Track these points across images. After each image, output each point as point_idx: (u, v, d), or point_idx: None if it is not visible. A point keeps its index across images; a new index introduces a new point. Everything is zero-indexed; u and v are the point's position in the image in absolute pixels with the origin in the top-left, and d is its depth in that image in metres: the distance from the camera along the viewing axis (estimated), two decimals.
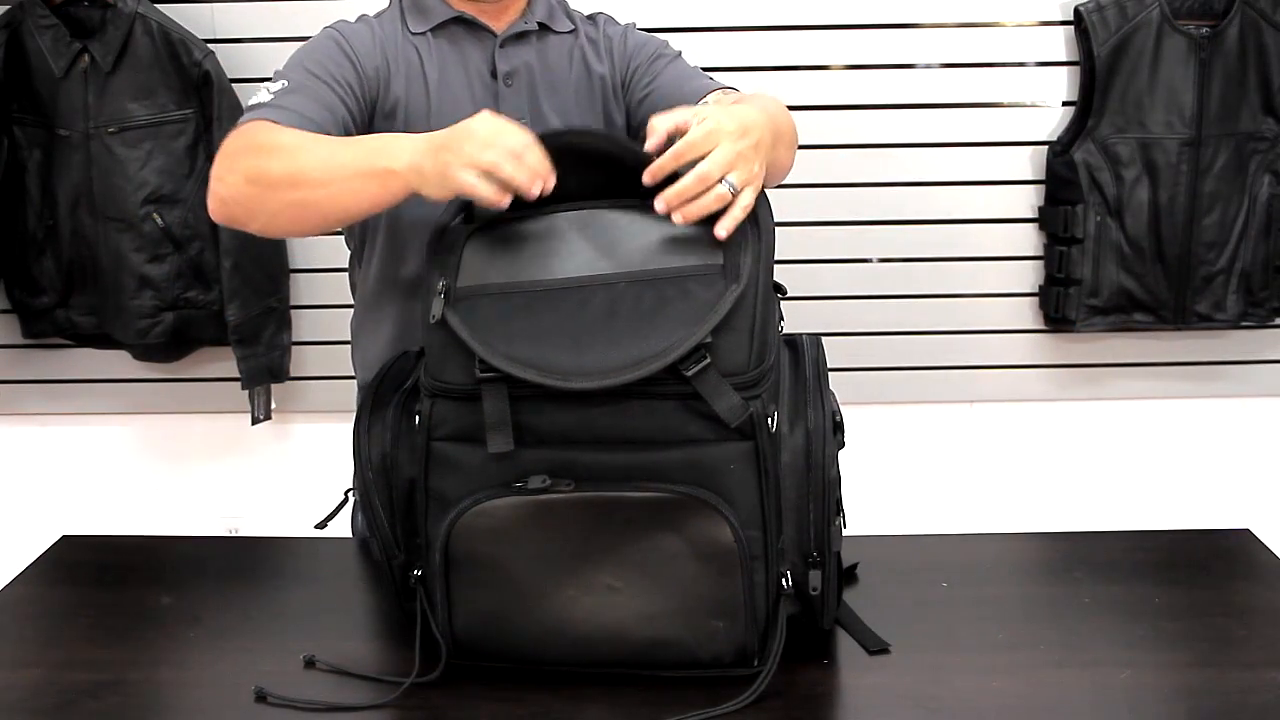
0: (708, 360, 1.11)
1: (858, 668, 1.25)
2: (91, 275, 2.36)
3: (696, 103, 1.45)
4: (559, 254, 1.16)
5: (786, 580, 1.19)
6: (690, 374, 1.11)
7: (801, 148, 2.36)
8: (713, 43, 2.35)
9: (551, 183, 1.17)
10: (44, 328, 2.44)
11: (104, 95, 2.27)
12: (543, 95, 1.50)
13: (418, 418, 1.20)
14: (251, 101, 1.36)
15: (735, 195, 1.16)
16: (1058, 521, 2.51)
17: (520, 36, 1.50)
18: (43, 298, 2.41)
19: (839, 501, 1.21)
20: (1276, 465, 2.57)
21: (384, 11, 1.52)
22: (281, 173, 1.25)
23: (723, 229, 1.15)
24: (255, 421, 2.43)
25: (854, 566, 1.42)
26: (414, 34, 1.47)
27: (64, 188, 2.32)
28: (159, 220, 2.30)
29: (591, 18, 1.59)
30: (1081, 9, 2.29)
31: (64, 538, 1.60)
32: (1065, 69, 2.37)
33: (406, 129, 1.42)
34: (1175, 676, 1.23)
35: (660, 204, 1.17)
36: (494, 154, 1.15)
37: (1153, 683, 1.21)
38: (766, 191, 1.27)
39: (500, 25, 1.50)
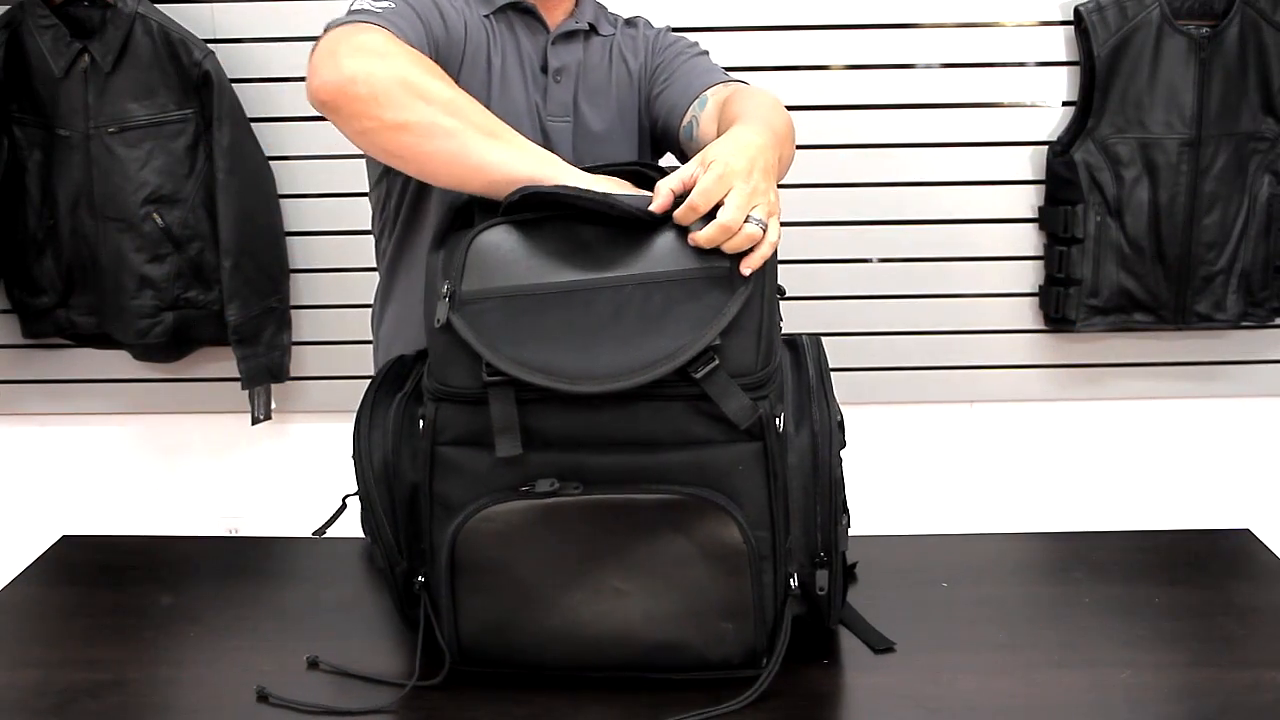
0: (716, 362, 1.11)
1: (858, 668, 1.25)
2: (91, 275, 2.36)
3: (695, 97, 1.47)
4: (565, 257, 1.16)
5: (793, 580, 1.20)
6: (699, 376, 1.11)
7: (801, 148, 2.37)
8: (713, 43, 2.33)
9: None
10: (44, 328, 2.44)
11: (104, 95, 2.27)
12: (584, 95, 1.51)
13: (421, 422, 1.19)
14: (354, 5, 1.28)
15: (764, 231, 1.14)
16: (1058, 521, 2.51)
17: (570, 35, 1.51)
18: (43, 298, 2.41)
19: (844, 501, 1.21)
20: (1276, 465, 2.57)
21: None
22: (443, 95, 1.20)
23: (748, 267, 1.14)
24: (255, 421, 2.43)
25: (853, 566, 1.43)
26: (482, 16, 1.46)
27: (64, 188, 2.32)
28: (159, 220, 2.30)
29: (631, 21, 1.60)
30: (1081, 9, 2.29)
31: (64, 538, 1.60)
32: (1065, 69, 2.37)
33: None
34: (1175, 676, 1.23)
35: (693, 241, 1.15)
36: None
37: (1153, 683, 1.21)
38: None
39: (554, 19, 1.50)
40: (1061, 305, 2.39)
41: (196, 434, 2.59)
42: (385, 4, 1.29)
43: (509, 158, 1.21)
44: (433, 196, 1.47)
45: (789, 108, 1.47)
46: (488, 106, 1.34)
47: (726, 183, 1.14)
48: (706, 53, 1.60)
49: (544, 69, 1.48)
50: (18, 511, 2.60)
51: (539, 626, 1.19)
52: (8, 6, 2.30)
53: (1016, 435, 2.56)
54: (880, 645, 1.28)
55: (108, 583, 1.48)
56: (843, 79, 2.38)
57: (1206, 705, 1.17)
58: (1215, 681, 1.21)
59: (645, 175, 1.28)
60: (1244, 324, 2.42)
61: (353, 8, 1.29)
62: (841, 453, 1.21)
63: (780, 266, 1.19)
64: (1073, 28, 2.34)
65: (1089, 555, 1.47)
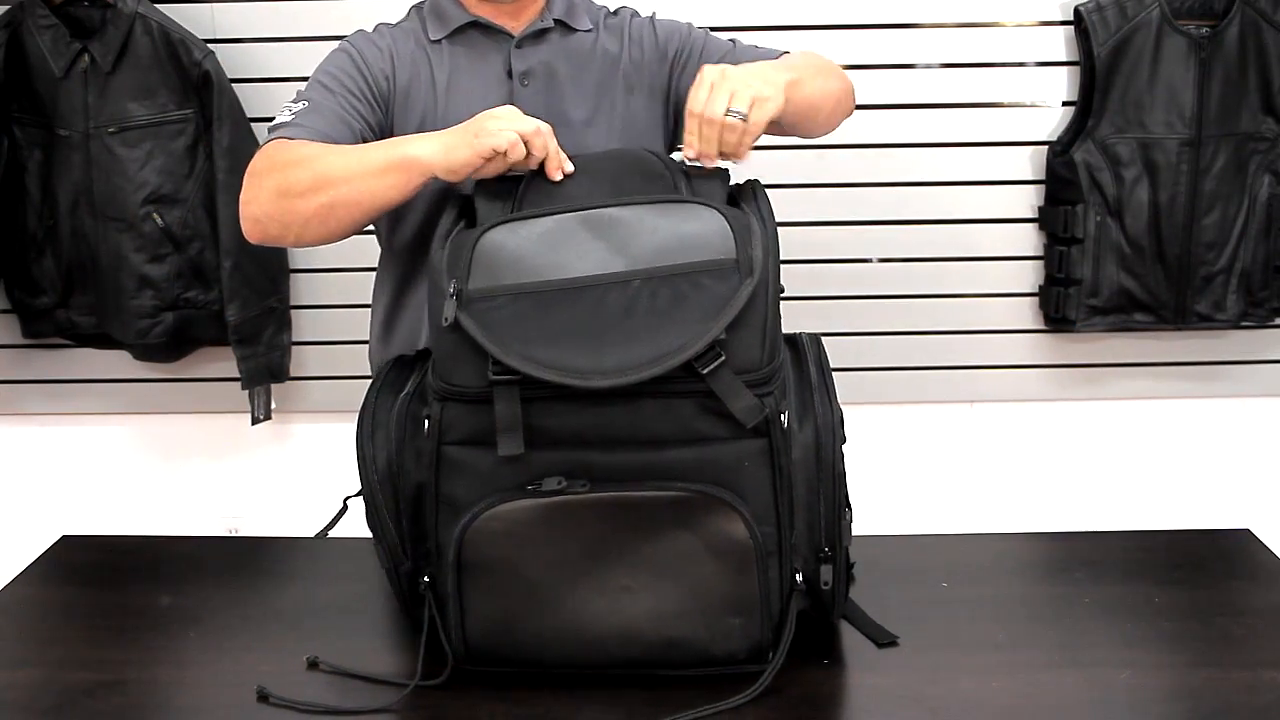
0: (723, 358, 1.12)
1: (858, 667, 1.25)
2: (91, 275, 2.36)
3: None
4: (571, 253, 1.16)
5: (798, 576, 1.20)
6: (706, 372, 1.11)
7: (802, 148, 2.38)
8: None
9: (570, 168, 1.28)
10: (44, 328, 2.44)
11: (104, 95, 2.27)
12: (565, 91, 1.51)
13: (426, 422, 1.19)
14: (274, 123, 1.41)
15: (746, 120, 1.25)
16: (1058, 521, 2.51)
17: (538, 35, 1.51)
18: (43, 298, 2.41)
19: (846, 496, 1.22)
20: (1276, 465, 2.57)
21: (403, 21, 1.56)
22: (308, 180, 1.31)
23: (733, 159, 1.26)
24: (255, 421, 2.43)
25: (852, 566, 1.42)
26: (432, 41, 1.51)
27: (64, 188, 2.32)
28: (159, 220, 2.30)
29: (616, 12, 1.60)
30: (1081, 9, 2.29)
31: (64, 538, 1.60)
32: (1065, 69, 2.37)
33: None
34: (1175, 676, 1.23)
35: (689, 153, 1.29)
36: (529, 125, 1.26)
37: (1153, 683, 1.21)
38: (766, 191, 1.28)
39: (518, 26, 1.51)
40: (1061, 305, 2.39)
41: (196, 434, 2.59)
42: (301, 105, 1.42)
43: (372, 176, 1.30)
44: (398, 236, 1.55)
45: None
46: (434, 124, 1.45)
47: (703, 84, 1.27)
48: (709, 32, 1.62)
49: (510, 74, 1.50)
50: (18, 511, 2.60)
51: (545, 625, 1.19)
52: (8, 6, 2.30)
53: (1016, 435, 2.56)
54: (883, 640, 1.28)
55: (108, 583, 1.48)
56: None
57: (1206, 705, 1.17)
58: (1215, 681, 1.21)
59: (645, 158, 1.29)
60: (1244, 324, 2.42)
61: (272, 124, 1.42)
62: (843, 449, 1.22)
63: (781, 266, 1.19)
64: (1073, 28, 2.33)
65: (1089, 555, 1.47)
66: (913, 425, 2.55)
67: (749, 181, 1.32)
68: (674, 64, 1.56)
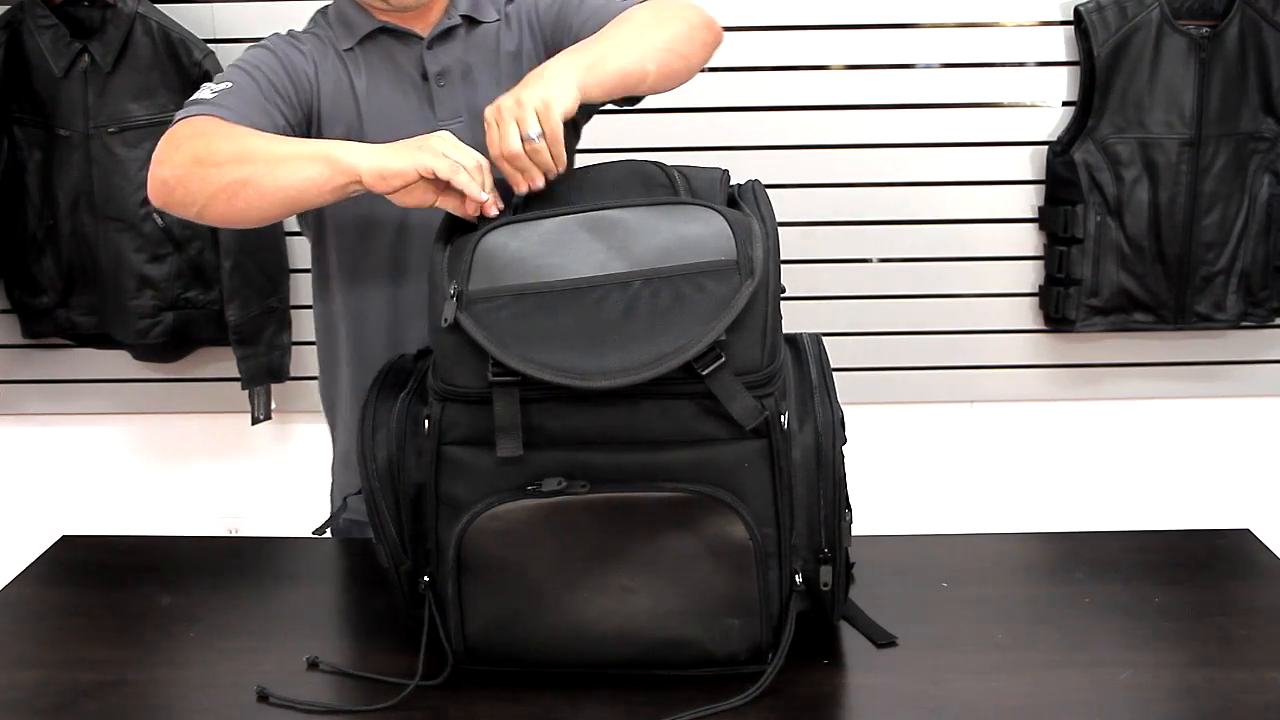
0: (723, 359, 1.12)
1: (858, 667, 1.25)
2: (91, 275, 2.36)
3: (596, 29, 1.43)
4: (572, 254, 1.16)
5: (798, 576, 1.20)
6: (706, 373, 1.11)
7: (802, 148, 2.38)
8: None
9: (496, 210, 1.24)
10: (44, 328, 2.44)
11: (104, 95, 2.27)
12: (480, 88, 1.50)
13: (426, 422, 1.19)
14: (194, 98, 1.38)
15: (544, 138, 1.23)
16: (1058, 521, 2.51)
17: (447, 34, 1.50)
18: (43, 298, 2.41)
19: (846, 497, 1.22)
20: (1276, 465, 2.57)
21: (313, 28, 1.54)
22: (229, 152, 1.29)
23: (560, 166, 1.24)
24: (255, 421, 2.43)
25: (851, 567, 1.42)
26: (345, 50, 1.49)
27: (64, 188, 2.32)
28: (159, 220, 2.30)
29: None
30: (1081, 9, 2.29)
31: (64, 538, 1.60)
32: (1065, 69, 2.37)
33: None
34: (1175, 676, 1.23)
35: (522, 190, 1.26)
36: (472, 160, 1.22)
37: (1153, 683, 1.21)
38: (767, 191, 1.28)
39: (425, 27, 1.50)
40: (1061, 305, 2.39)
41: (196, 434, 2.59)
42: (224, 85, 1.39)
43: (295, 163, 1.27)
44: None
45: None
46: (361, 135, 1.44)
47: (489, 128, 1.25)
48: None
49: (425, 76, 1.49)
50: (18, 511, 2.60)
51: (545, 625, 1.19)
52: (8, 6, 2.30)
53: (1016, 435, 2.56)
54: (882, 640, 1.28)
55: (108, 583, 1.48)
56: (843, 79, 2.38)
57: (1206, 705, 1.17)
58: (1215, 681, 1.21)
59: (646, 167, 1.28)
60: (1244, 324, 2.42)
61: (191, 99, 1.39)
62: (843, 449, 1.22)
63: (781, 266, 1.19)
64: (1073, 28, 2.34)
65: (1089, 555, 1.47)
66: (913, 425, 2.55)
67: (749, 182, 1.32)
68: (549, 40, 1.52)
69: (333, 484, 1.66)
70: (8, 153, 2.34)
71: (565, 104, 1.24)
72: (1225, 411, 2.54)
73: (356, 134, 1.46)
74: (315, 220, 1.54)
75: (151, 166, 1.33)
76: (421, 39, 1.49)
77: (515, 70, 1.50)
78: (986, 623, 1.32)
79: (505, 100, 1.25)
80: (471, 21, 1.52)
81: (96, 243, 2.32)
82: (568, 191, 1.26)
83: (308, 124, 1.47)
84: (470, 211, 1.23)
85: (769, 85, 2.36)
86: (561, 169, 1.25)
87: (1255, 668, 1.23)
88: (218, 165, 1.28)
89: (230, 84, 1.39)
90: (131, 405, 2.56)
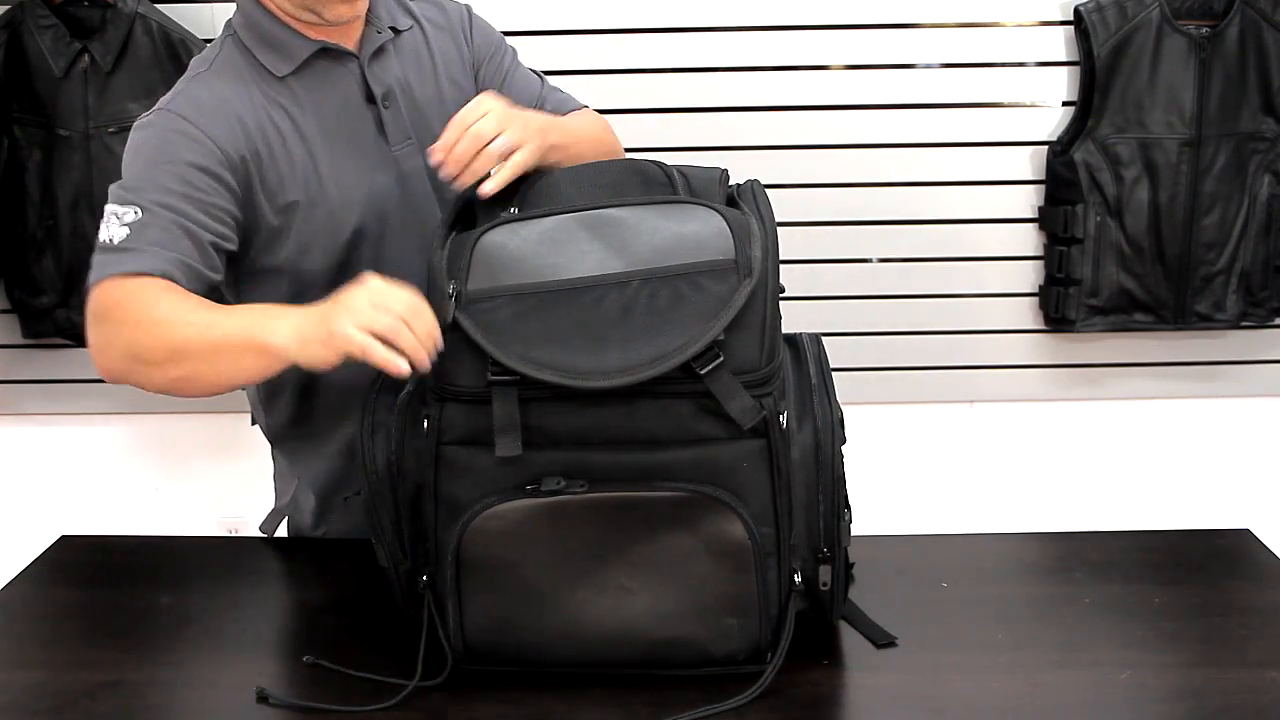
0: (721, 359, 1.12)
1: (858, 667, 1.25)
2: None
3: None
4: (571, 254, 1.16)
5: (797, 576, 1.20)
6: (704, 372, 1.11)
7: (802, 148, 2.38)
8: (712, 43, 2.35)
9: (438, 347, 1.14)
10: (44, 328, 2.44)
11: (104, 95, 2.27)
12: (424, 107, 1.46)
13: (425, 422, 1.19)
14: (102, 237, 1.29)
15: (506, 158, 1.28)
16: (1058, 521, 2.51)
17: (380, 51, 1.44)
18: (43, 298, 2.41)
19: (845, 497, 1.22)
20: (1276, 465, 2.57)
21: (218, 63, 1.40)
22: (162, 351, 1.22)
23: (489, 185, 1.26)
24: (255, 421, 2.43)
25: (851, 566, 1.42)
26: (277, 79, 1.39)
27: (64, 188, 2.32)
28: None
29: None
30: (1081, 9, 2.28)
31: (64, 538, 1.60)
32: (1065, 69, 2.36)
33: (306, 201, 1.38)
34: (1175, 676, 1.23)
35: (436, 157, 1.29)
36: (388, 319, 1.12)
37: (1153, 683, 1.21)
38: (766, 191, 1.28)
39: (353, 43, 1.42)
40: (1061, 305, 2.39)
41: (196, 434, 2.59)
42: (131, 211, 1.28)
43: (230, 355, 1.21)
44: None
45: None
46: (320, 183, 1.37)
47: (483, 107, 1.29)
48: (515, 50, 1.60)
49: (370, 99, 1.42)
50: (18, 511, 2.60)
51: (545, 624, 1.19)
52: (8, 6, 2.30)
53: (1016, 435, 2.55)
54: (882, 640, 1.28)
55: (107, 583, 1.48)
56: (843, 79, 2.37)
57: (1206, 705, 1.17)
58: (1215, 681, 1.21)
59: (645, 166, 1.29)
60: (1244, 324, 2.42)
61: (101, 243, 1.29)
62: (842, 449, 1.22)
63: (780, 266, 1.19)
64: (1073, 28, 2.33)
65: (1089, 555, 1.47)
66: (913, 425, 2.55)
67: (749, 181, 1.32)
68: (482, 74, 1.54)
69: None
70: (8, 153, 2.34)
71: (530, 162, 1.30)
72: (1225, 411, 2.54)
73: (314, 184, 1.38)
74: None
75: (91, 352, 1.27)
76: (355, 57, 1.42)
77: (451, 78, 1.49)
78: (986, 623, 1.32)
79: (514, 111, 1.30)
80: (394, 32, 1.46)
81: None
82: (565, 189, 1.25)
83: (249, 198, 1.35)
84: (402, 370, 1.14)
85: (769, 85, 2.36)
86: (489, 193, 1.27)
87: (1255, 668, 1.23)
88: (155, 365, 1.23)
89: (139, 211, 1.28)
90: (131, 405, 2.55)
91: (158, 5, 2.29)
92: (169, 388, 1.26)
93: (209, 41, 2.27)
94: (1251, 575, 1.43)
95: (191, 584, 1.46)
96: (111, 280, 1.26)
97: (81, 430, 2.59)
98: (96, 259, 1.29)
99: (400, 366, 1.12)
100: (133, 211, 1.29)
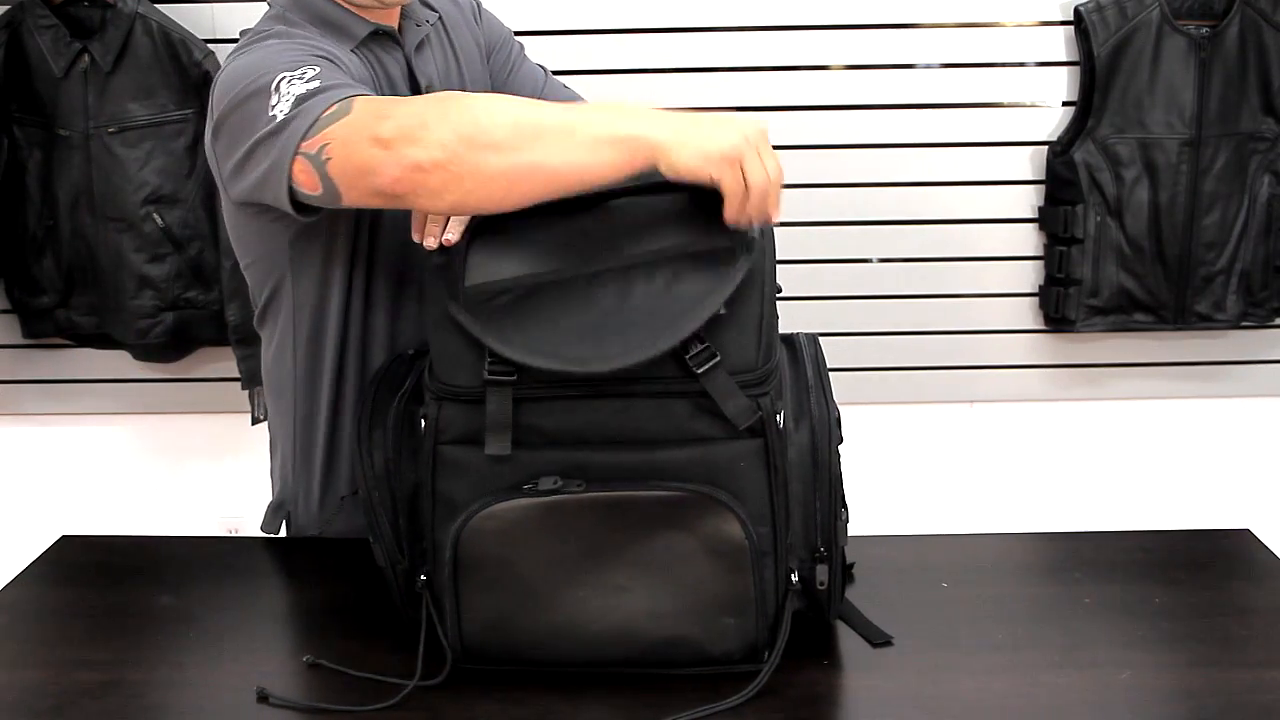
0: (717, 359, 1.11)
1: (857, 667, 1.25)
2: (91, 275, 2.36)
3: None
4: (566, 245, 1.16)
5: (794, 576, 1.20)
6: (700, 372, 1.11)
7: (802, 148, 2.38)
8: (712, 43, 2.35)
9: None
10: (44, 328, 2.44)
11: (104, 95, 2.27)
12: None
13: (423, 421, 1.19)
14: (285, 97, 1.16)
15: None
16: (1058, 521, 2.51)
17: (421, 44, 1.45)
18: (43, 298, 2.41)
19: (843, 496, 1.22)
20: (1276, 465, 2.57)
21: (280, 35, 1.33)
22: (506, 130, 1.09)
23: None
24: (255, 421, 2.43)
25: (850, 566, 1.42)
26: (349, 52, 1.36)
27: (64, 188, 2.32)
28: (159, 220, 2.30)
29: None
30: (1081, 9, 2.29)
31: (64, 538, 1.60)
32: (1065, 69, 2.37)
33: None
34: (1175, 676, 1.23)
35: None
36: (765, 172, 1.09)
37: (1153, 683, 1.21)
38: None
39: (395, 24, 1.43)
40: (1061, 305, 2.39)
41: (196, 434, 2.59)
42: (311, 73, 1.19)
43: (591, 146, 1.09)
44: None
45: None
46: None
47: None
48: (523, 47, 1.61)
49: (415, 88, 1.42)
50: (18, 511, 2.60)
51: (542, 624, 1.19)
52: (8, 6, 2.30)
53: (1016, 435, 2.56)
54: (878, 640, 1.28)
55: (107, 583, 1.48)
56: (843, 79, 2.38)
57: (1206, 705, 1.17)
58: (1215, 681, 1.20)
59: None
60: (1244, 324, 2.42)
61: (300, 95, 1.17)
62: (840, 449, 1.22)
63: (780, 266, 1.19)
64: (1073, 28, 2.33)
65: (1089, 555, 1.47)
66: (912, 425, 2.55)
67: None
68: (492, 64, 1.54)
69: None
70: (8, 153, 2.34)
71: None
72: (1225, 411, 2.54)
73: None
74: (351, 243, 1.38)
75: (396, 146, 1.10)
76: (401, 47, 1.43)
77: (471, 69, 1.51)
78: (986, 623, 1.32)
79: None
80: (427, 25, 1.47)
81: (96, 243, 2.32)
82: None
83: None
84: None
85: (769, 85, 2.36)
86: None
87: (1255, 668, 1.23)
88: (493, 148, 1.08)
89: (317, 69, 1.20)
90: (131, 405, 2.56)
91: (158, 5, 2.29)
92: (503, 179, 1.09)
93: (209, 41, 2.31)
94: (1251, 575, 1.43)
95: (191, 584, 1.46)
96: (356, 99, 1.15)
97: (81, 430, 2.59)
98: (299, 109, 1.15)
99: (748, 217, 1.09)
100: (308, 70, 1.19)
